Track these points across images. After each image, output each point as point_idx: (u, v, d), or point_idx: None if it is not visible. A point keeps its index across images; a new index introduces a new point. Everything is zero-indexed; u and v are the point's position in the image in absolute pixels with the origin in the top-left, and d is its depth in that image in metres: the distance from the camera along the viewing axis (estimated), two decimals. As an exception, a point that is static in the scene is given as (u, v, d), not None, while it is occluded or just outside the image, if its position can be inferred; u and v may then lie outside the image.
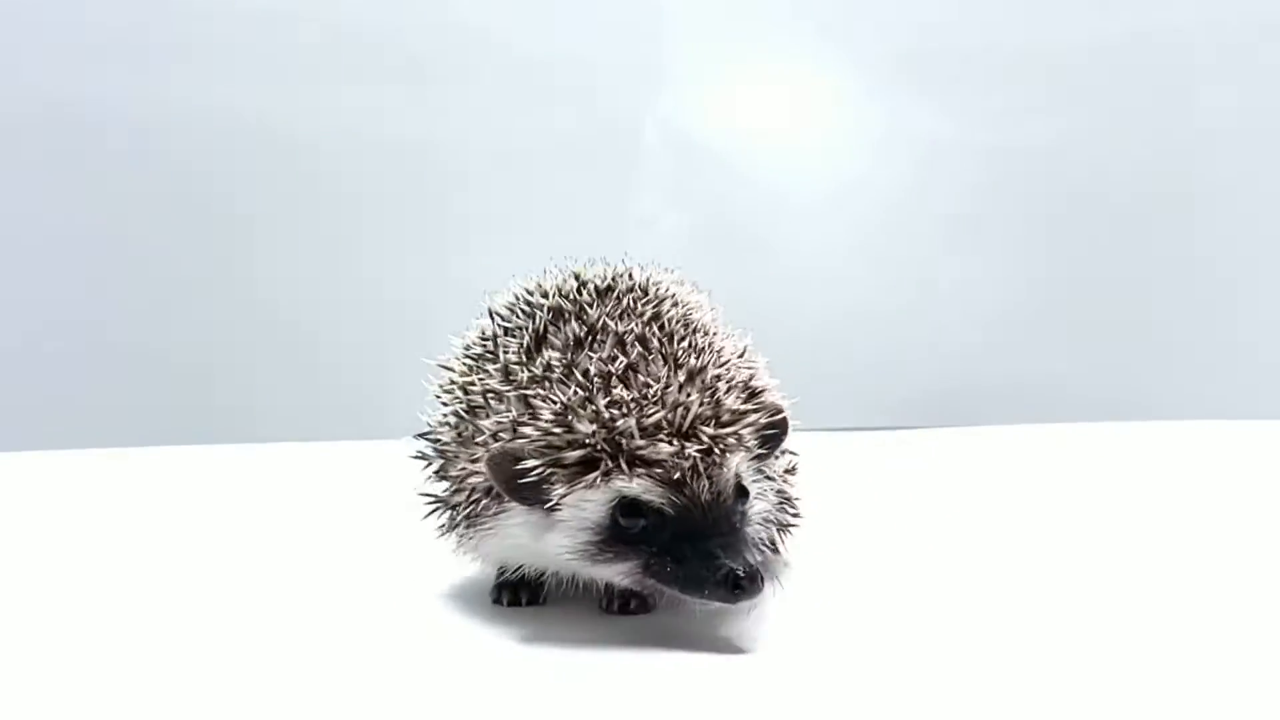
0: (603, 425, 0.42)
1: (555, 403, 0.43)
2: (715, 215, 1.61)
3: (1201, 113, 1.59)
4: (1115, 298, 1.60)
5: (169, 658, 0.44)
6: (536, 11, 1.59)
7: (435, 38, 1.57)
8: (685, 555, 0.41)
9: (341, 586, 0.57)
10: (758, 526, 0.46)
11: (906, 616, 0.49)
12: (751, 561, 0.41)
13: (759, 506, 0.46)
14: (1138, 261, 1.60)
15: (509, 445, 0.43)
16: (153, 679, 0.41)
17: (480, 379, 0.47)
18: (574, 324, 0.47)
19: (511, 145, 1.57)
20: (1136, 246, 1.60)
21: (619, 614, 0.48)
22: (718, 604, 0.41)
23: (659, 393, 0.43)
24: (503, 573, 0.51)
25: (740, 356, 0.49)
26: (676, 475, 0.42)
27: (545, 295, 0.51)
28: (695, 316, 0.50)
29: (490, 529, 0.46)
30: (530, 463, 0.42)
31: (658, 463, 0.42)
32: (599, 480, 0.42)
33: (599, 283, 0.51)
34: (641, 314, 0.48)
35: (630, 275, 0.52)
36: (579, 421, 0.42)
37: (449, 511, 0.50)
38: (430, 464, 0.51)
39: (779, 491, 0.50)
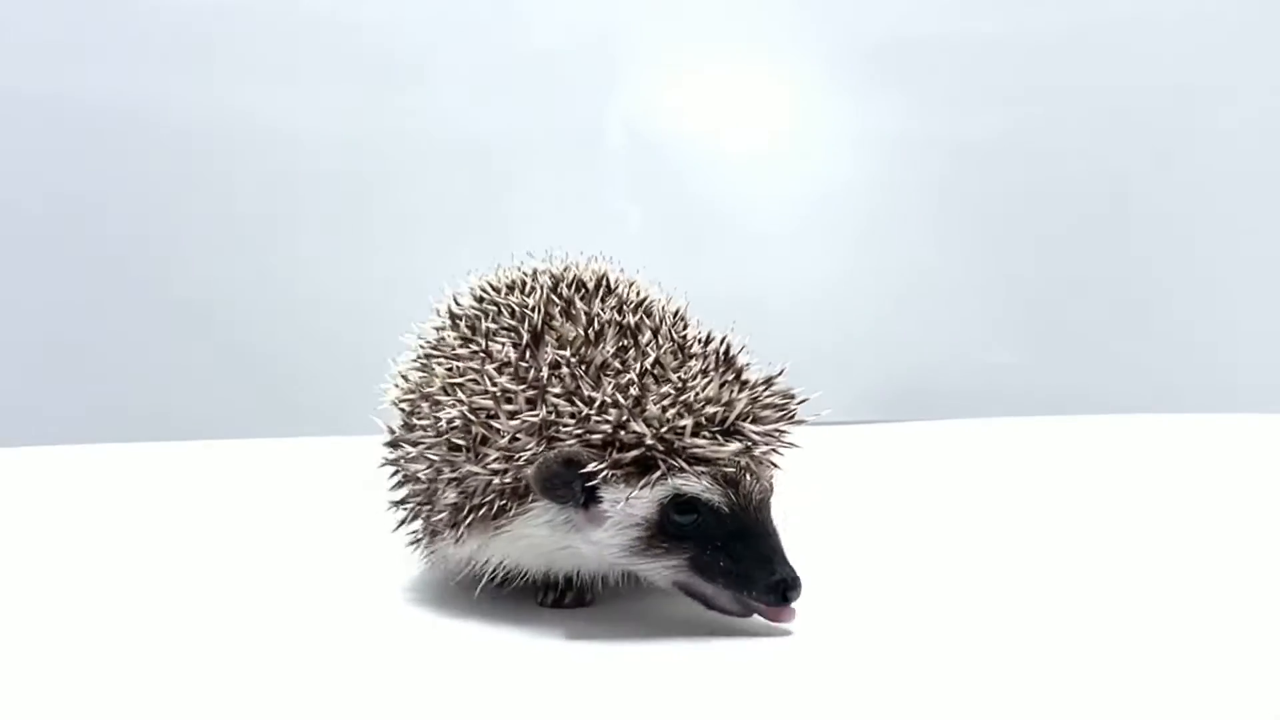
0: (661, 424, 0.42)
1: (602, 402, 0.43)
2: (680, 211, 1.61)
3: (1172, 101, 1.60)
4: (1085, 290, 1.62)
5: (148, 655, 0.43)
6: (500, 10, 1.59)
7: (398, 37, 1.56)
8: (739, 554, 0.42)
9: (317, 580, 0.57)
10: None
11: (885, 610, 0.49)
12: (796, 571, 0.42)
13: None
14: (1108, 253, 1.62)
15: (568, 450, 0.42)
16: (133, 675, 0.40)
17: (473, 380, 0.46)
18: (565, 320, 0.47)
19: (475, 143, 1.56)
20: (1107, 238, 1.62)
21: (554, 607, 0.49)
22: (754, 608, 0.43)
23: (700, 390, 0.43)
24: (493, 575, 0.48)
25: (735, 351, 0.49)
26: (733, 473, 0.42)
27: (519, 291, 0.50)
28: (680, 310, 0.51)
29: (505, 530, 0.45)
30: (593, 465, 0.42)
31: (714, 460, 0.42)
32: (657, 479, 0.42)
33: (568, 276, 0.51)
34: (635, 307, 0.48)
35: (589, 268, 0.53)
36: (635, 422, 0.42)
37: (431, 517, 0.47)
38: (400, 472, 0.50)
39: None
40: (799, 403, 0.46)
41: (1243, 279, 1.60)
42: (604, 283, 0.51)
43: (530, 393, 0.44)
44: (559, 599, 0.49)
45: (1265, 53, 1.60)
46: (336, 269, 1.55)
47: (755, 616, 0.43)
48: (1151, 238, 1.61)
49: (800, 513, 0.46)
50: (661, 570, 0.44)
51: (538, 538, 0.45)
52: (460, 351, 0.48)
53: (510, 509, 0.44)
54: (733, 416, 0.43)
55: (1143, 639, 0.44)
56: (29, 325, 1.47)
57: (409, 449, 0.49)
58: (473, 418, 0.45)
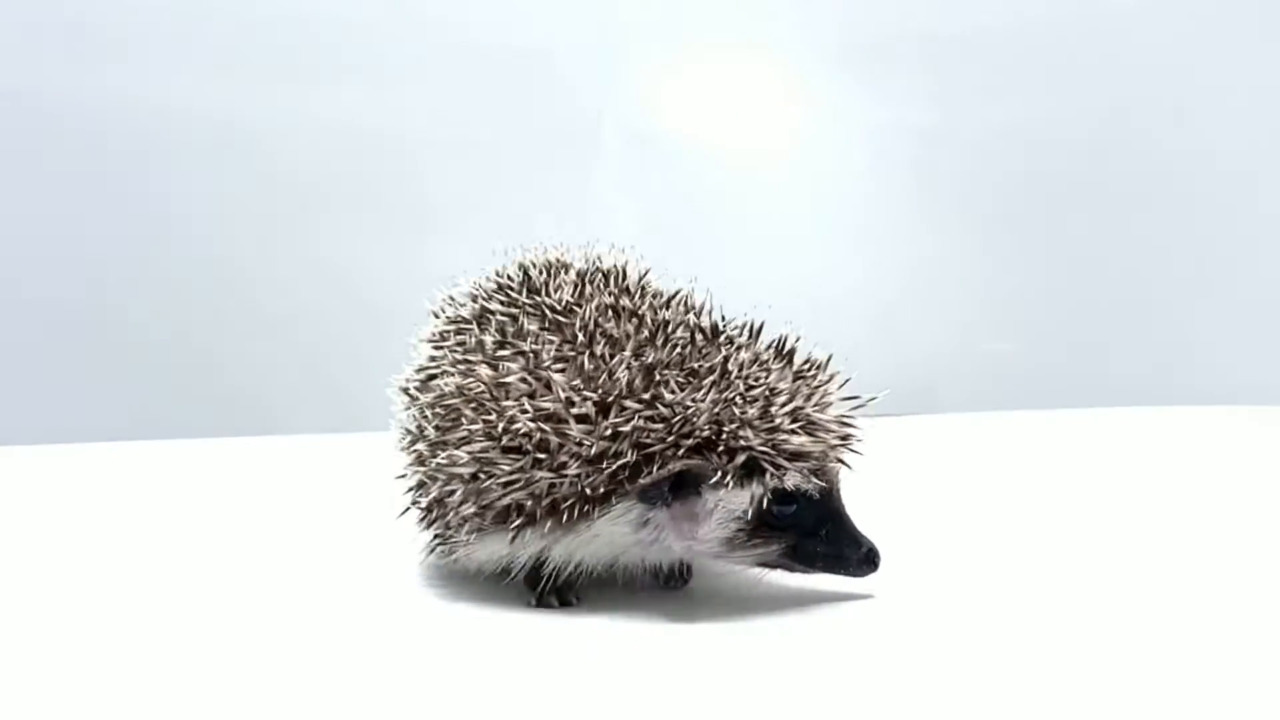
0: (759, 425, 0.44)
1: (691, 407, 0.44)
2: (674, 204, 1.61)
3: (1170, 90, 1.60)
4: (1084, 281, 1.62)
5: (158, 653, 0.43)
6: (493, 4, 1.58)
7: (391, 30, 1.56)
8: (831, 536, 0.46)
9: (332, 577, 0.57)
10: None
11: (894, 602, 0.49)
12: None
13: None
14: (1108, 244, 1.62)
15: (687, 462, 0.43)
16: (141, 674, 0.40)
17: (522, 382, 0.46)
18: (614, 319, 0.47)
19: (468, 136, 1.56)
20: (1106, 228, 1.62)
21: (666, 588, 0.51)
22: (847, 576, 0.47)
23: (773, 386, 0.46)
24: (540, 577, 0.48)
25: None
26: (823, 464, 0.45)
27: (552, 289, 0.50)
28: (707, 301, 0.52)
29: (582, 531, 0.45)
30: (715, 478, 0.43)
31: (809, 454, 0.45)
32: (760, 477, 0.44)
33: (591, 269, 0.52)
34: (671, 302, 0.50)
35: (610, 259, 0.53)
36: (733, 425, 0.44)
37: (473, 518, 0.47)
38: (423, 474, 0.50)
39: None
40: (870, 399, 0.49)
41: (1246, 271, 1.60)
42: (624, 274, 0.52)
43: (598, 397, 0.44)
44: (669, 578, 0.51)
45: (1272, 45, 1.59)
46: (329, 266, 1.55)
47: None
48: (1154, 229, 1.61)
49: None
50: (756, 559, 0.47)
51: (617, 536, 0.46)
52: (501, 353, 0.48)
53: (593, 512, 0.45)
54: (809, 409, 0.46)
55: (1148, 633, 0.44)
56: (29, 324, 1.47)
57: (441, 452, 0.48)
58: (545, 426, 0.44)
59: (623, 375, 0.44)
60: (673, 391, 0.44)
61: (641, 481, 0.43)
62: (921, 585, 0.52)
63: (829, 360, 0.48)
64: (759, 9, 1.63)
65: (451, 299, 0.55)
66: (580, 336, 0.47)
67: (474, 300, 0.53)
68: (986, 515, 0.72)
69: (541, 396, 0.45)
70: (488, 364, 0.48)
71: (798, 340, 0.49)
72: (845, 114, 1.64)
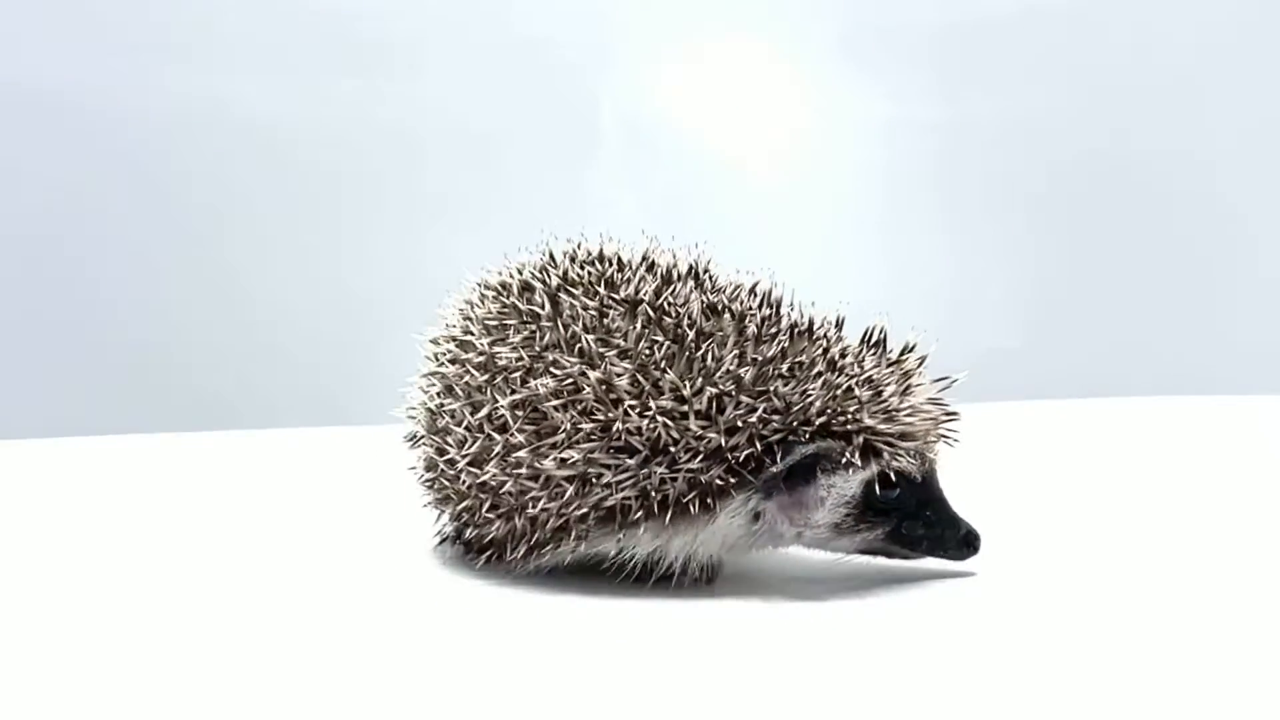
0: (877, 411, 0.46)
1: (814, 398, 0.45)
2: (673, 196, 1.60)
3: (1186, 81, 1.60)
4: (1078, 273, 1.62)
5: (151, 647, 0.43)
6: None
7: (388, 25, 1.55)
8: (930, 519, 0.48)
9: (335, 566, 0.57)
10: None
11: (897, 594, 0.49)
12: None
13: None
14: (1100, 236, 1.62)
15: (825, 445, 0.45)
16: (136, 669, 0.40)
17: (631, 383, 0.45)
18: (707, 316, 0.47)
19: (467, 128, 1.56)
20: (1099, 221, 1.62)
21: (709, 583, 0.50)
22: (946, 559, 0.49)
23: (872, 374, 0.47)
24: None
25: None
26: (925, 446, 0.47)
27: (628, 284, 0.49)
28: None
29: (702, 525, 0.46)
30: (843, 457, 0.45)
31: (916, 436, 0.47)
32: (876, 459, 0.46)
33: (651, 262, 0.51)
34: (741, 292, 0.50)
35: (659, 252, 0.52)
36: (859, 413, 0.45)
37: (560, 522, 0.46)
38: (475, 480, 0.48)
39: None
40: (956, 380, 0.50)
41: (1248, 260, 1.60)
42: (700, 269, 0.51)
43: (716, 391, 0.45)
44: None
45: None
46: (327, 257, 1.55)
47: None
48: (1148, 219, 1.61)
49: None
50: (861, 544, 0.48)
51: (734, 528, 0.46)
52: (606, 352, 0.47)
53: (715, 505, 0.45)
54: (913, 393, 0.47)
55: (1149, 625, 0.44)
56: (32, 321, 1.47)
57: (526, 458, 0.47)
58: (667, 423, 0.44)
59: (735, 370, 0.45)
60: (785, 383, 0.45)
61: (773, 469, 0.45)
62: (934, 574, 0.53)
63: (915, 345, 0.49)
64: (766, 1, 1.63)
65: (498, 290, 0.52)
66: (684, 333, 0.46)
67: (528, 291, 0.51)
68: (992, 506, 0.72)
69: (651, 395, 0.45)
70: (585, 364, 0.46)
71: (883, 332, 0.50)
72: (849, 106, 1.64)
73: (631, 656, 0.41)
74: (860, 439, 0.45)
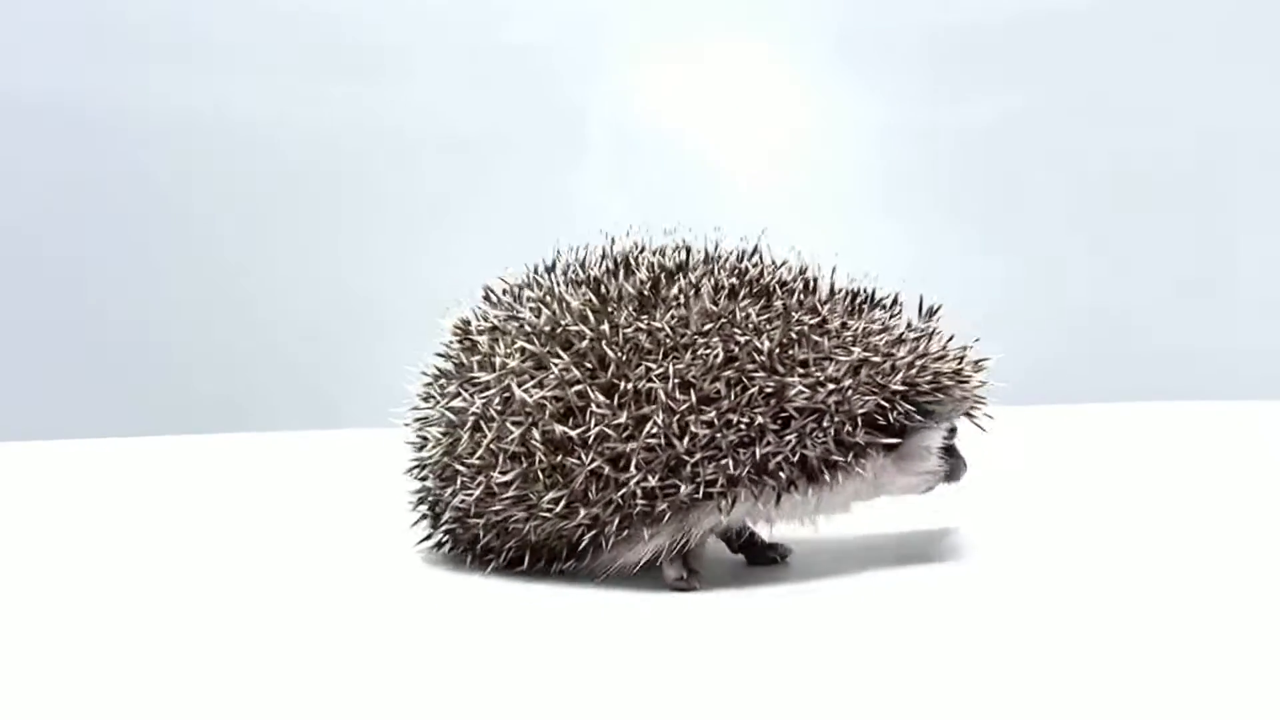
0: (955, 373, 0.53)
1: (925, 363, 0.52)
2: (661, 198, 1.61)
3: (1176, 84, 1.61)
4: (1069, 278, 1.62)
5: (147, 649, 0.43)
6: (476, 2, 1.58)
7: (378, 31, 1.56)
8: (956, 451, 0.56)
9: (332, 571, 0.57)
10: None
11: (899, 594, 0.50)
12: None
13: None
14: (1092, 240, 1.62)
15: (932, 402, 0.53)
16: (134, 666, 0.40)
17: (789, 355, 0.50)
18: (798, 294, 0.53)
19: (458, 133, 1.56)
20: (1093, 225, 1.62)
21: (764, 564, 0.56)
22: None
23: (933, 339, 0.54)
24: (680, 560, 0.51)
25: None
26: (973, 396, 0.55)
27: (762, 274, 0.54)
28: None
29: (840, 485, 0.50)
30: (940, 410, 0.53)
31: (969, 388, 0.54)
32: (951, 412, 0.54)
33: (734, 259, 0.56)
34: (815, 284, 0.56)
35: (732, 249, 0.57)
36: (943, 374, 0.53)
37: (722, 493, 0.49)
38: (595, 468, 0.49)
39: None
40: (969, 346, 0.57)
41: (1249, 265, 1.61)
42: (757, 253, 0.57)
43: (854, 360, 0.51)
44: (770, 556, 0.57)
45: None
46: (318, 260, 1.55)
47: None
48: (1142, 223, 1.62)
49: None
50: (935, 483, 0.56)
51: (861, 485, 0.52)
52: (768, 326, 0.51)
53: (852, 464, 0.51)
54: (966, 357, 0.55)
55: (1149, 627, 0.44)
56: (29, 324, 1.46)
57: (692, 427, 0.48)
58: (821, 390, 0.49)
59: (857, 345, 0.51)
60: (893, 352, 0.52)
61: (924, 423, 0.52)
62: (932, 572, 0.53)
63: (940, 307, 0.56)
64: (753, 3, 1.63)
65: (598, 280, 0.54)
66: (800, 317, 0.51)
67: (627, 272, 0.54)
68: (986, 507, 0.73)
69: (815, 365, 0.50)
70: (732, 339, 0.50)
71: (939, 307, 0.57)
72: (840, 109, 1.64)
73: (641, 650, 0.41)
74: (945, 395, 0.52)
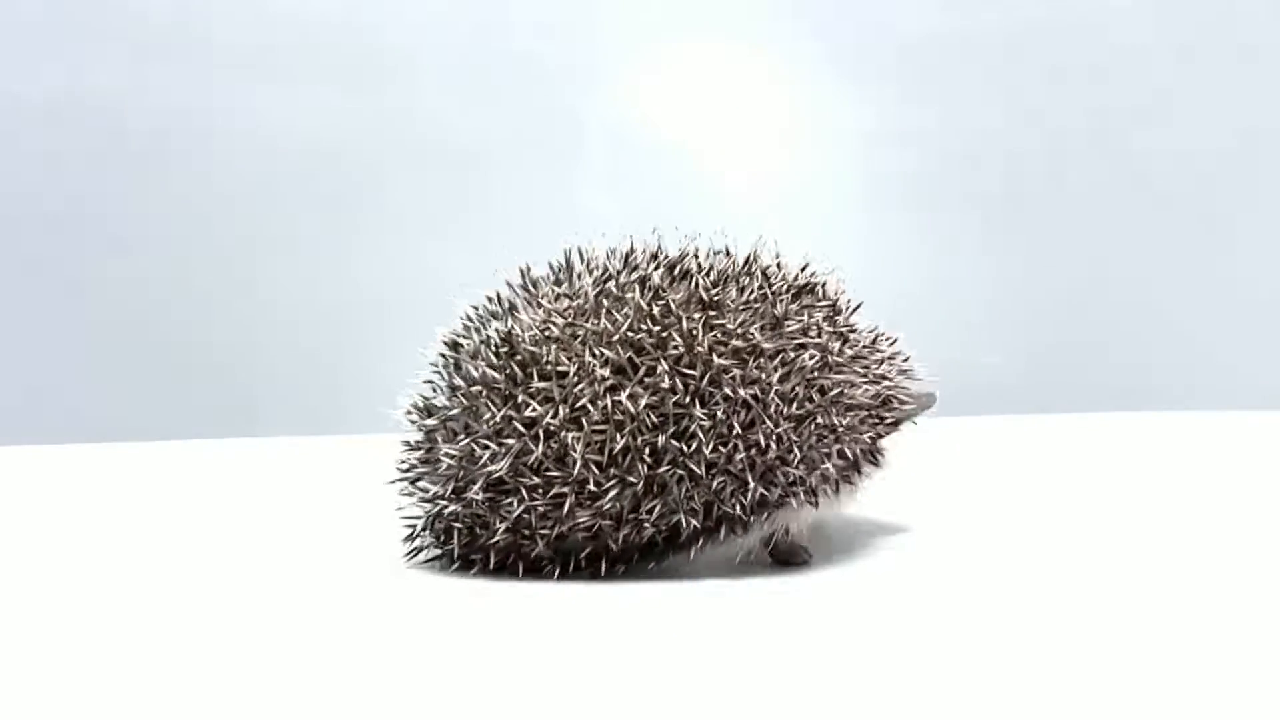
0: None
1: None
2: (658, 206, 1.61)
3: (1167, 93, 1.61)
4: (1079, 289, 1.62)
5: (157, 654, 0.43)
6: (480, 8, 1.59)
7: (378, 37, 1.56)
8: None
9: (339, 577, 0.57)
10: None
11: (891, 603, 0.50)
12: None
13: None
14: (1102, 248, 1.62)
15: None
16: (142, 675, 0.40)
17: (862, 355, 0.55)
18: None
19: (454, 142, 1.56)
20: (1092, 235, 1.62)
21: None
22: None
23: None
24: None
25: None
26: None
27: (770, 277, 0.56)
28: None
29: (855, 487, 0.55)
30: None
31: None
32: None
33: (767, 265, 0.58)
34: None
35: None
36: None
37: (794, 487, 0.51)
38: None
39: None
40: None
41: (1237, 277, 1.60)
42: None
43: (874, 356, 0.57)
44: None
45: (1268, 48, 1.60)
46: (319, 265, 1.55)
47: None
48: (1151, 234, 1.61)
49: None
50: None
51: (856, 492, 0.55)
52: (844, 329, 0.56)
53: (877, 459, 0.55)
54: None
55: (1143, 638, 0.44)
56: (31, 328, 1.47)
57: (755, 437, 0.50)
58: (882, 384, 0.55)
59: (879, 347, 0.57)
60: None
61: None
62: (923, 585, 0.54)
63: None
64: (746, 11, 1.64)
65: (657, 285, 0.54)
66: (834, 318, 0.56)
67: (681, 276, 0.55)
68: (978, 519, 0.73)
69: (862, 363, 0.55)
70: (814, 344, 0.53)
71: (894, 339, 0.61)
72: (833, 117, 1.64)
73: (651, 644, 0.42)
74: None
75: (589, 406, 0.49)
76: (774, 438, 0.49)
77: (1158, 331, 1.59)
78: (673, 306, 0.52)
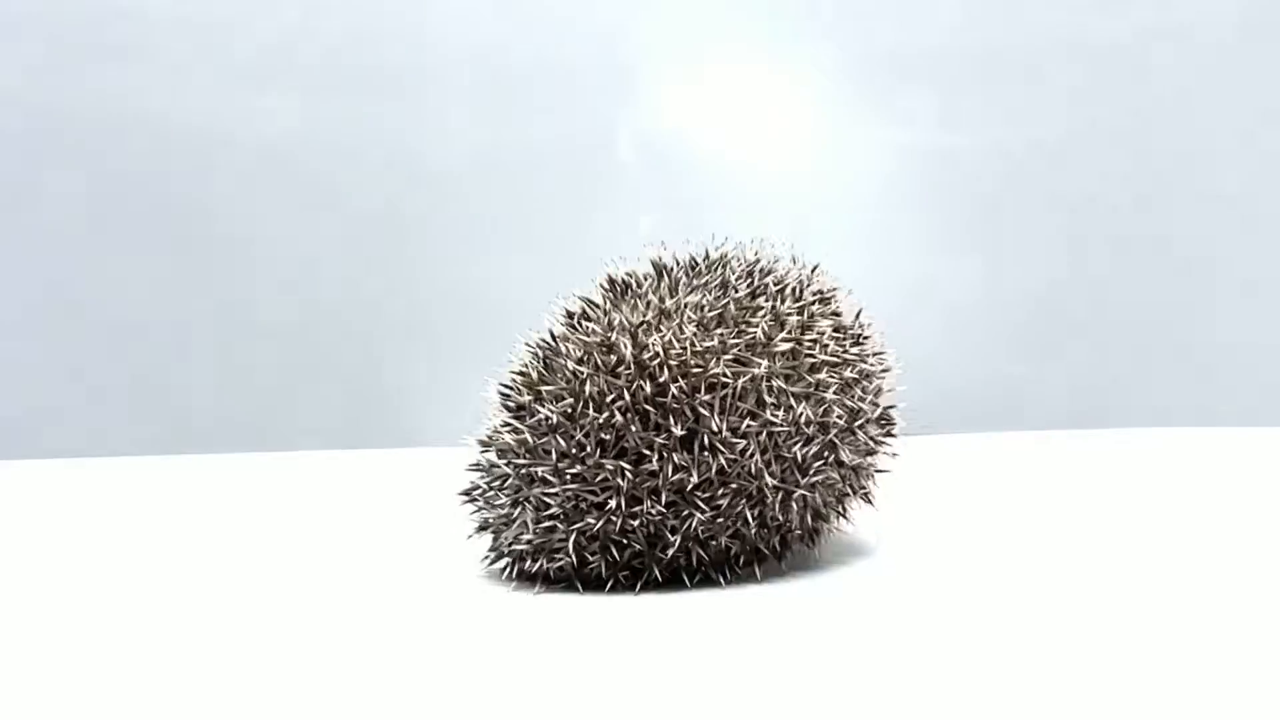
0: None
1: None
2: (691, 219, 1.62)
3: (1191, 111, 1.60)
4: (1102, 302, 1.61)
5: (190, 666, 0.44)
6: (512, 23, 1.60)
7: (411, 51, 1.57)
8: None
9: (382, 589, 0.57)
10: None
11: (904, 622, 0.50)
12: None
13: None
14: (1124, 265, 1.61)
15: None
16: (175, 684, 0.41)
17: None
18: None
19: (488, 156, 1.57)
20: (1126, 249, 1.61)
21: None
22: None
23: None
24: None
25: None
26: None
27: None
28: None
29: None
30: None
31: None
32: None
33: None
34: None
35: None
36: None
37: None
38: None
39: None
40: None
41: (1265, 292, 1.59)
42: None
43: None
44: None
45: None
46: (351, 280, 1.56)
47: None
48: (1171, 249, 1.60)
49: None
50: None
51: None
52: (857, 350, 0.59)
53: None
54: None
55: (1159, 653, 0.44)
56: (68, 341, 1.49)
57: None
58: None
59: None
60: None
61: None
62: (937, 602, 0.53)
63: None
64: (777, 28, 1.64)
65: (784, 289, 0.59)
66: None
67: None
68: (998, 536, 0.72)
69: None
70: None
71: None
72: (862, 132, 1.64)
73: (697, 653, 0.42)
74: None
75: (771, 417, 0.52)
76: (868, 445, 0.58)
77: (1193, 347, 1.58)
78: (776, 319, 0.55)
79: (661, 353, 0.52)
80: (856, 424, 0.56)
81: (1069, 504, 0.85)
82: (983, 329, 1.59)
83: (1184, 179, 1.60)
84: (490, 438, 0.55)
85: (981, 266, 1.62)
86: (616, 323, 0.54)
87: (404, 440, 1.32)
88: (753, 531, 0.52)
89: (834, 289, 0.61)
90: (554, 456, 0.52)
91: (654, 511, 0.51)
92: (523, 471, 0.53)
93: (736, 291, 0.56)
